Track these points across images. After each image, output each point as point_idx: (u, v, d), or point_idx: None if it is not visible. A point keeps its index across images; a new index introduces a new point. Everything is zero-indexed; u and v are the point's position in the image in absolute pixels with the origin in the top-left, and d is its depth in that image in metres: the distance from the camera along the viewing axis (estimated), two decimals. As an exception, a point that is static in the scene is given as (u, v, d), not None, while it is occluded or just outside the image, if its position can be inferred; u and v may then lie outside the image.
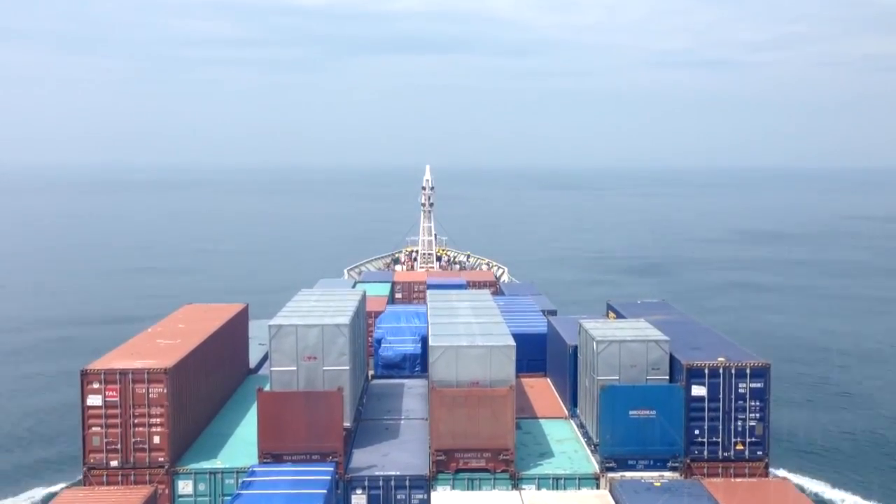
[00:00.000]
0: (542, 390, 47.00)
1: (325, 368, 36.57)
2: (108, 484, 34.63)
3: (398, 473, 35.01)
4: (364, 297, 46.62)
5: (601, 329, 38.69)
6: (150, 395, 34.78)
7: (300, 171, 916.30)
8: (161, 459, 34.86)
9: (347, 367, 36.84)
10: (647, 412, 35.49)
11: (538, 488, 34.84)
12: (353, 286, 69.46)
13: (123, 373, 34.78)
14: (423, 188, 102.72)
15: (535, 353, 48.78)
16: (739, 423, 35.82)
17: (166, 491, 34.72)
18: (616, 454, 35.58)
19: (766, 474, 35.87)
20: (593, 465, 36.23)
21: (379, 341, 50.91)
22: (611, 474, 35.30)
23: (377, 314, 55.71)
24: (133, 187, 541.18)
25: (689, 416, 35.71)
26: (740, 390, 35.75)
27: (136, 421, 34.75)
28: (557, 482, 35.20)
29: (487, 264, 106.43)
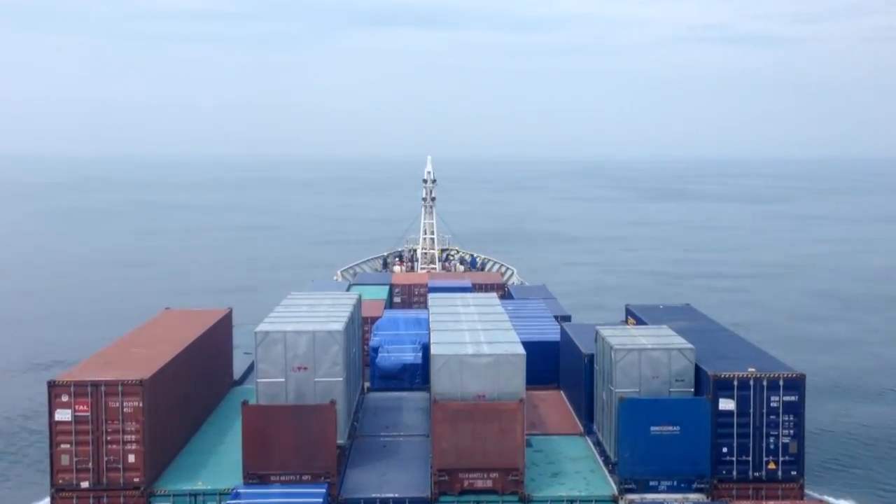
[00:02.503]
0: (555, 404, 47.02)
1: (316, 380, 36.56)
2: (79, 507, 34.66)
3: (397, 495, 35.02)
4: (359, 301, 46.65)
5: (619, 336, 38.67)
6: (125, 410, 34.79)
7: (289, 164, 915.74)
8: (136, 480, 34.85)
9: (341, 379, 36.84)
10: (671, 428, 35.46)
11: (550, 511, 34.89)
12: (348, 289, 69.42)
13: (95, 385, 34.78)
14: (425, 181, 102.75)
15: (546, 363, 48.77)
16: (772, 440, 35.79)
17: (142, 514, 34.78)
18: (636, 474, 35.55)
19: (802, 496, 35.85)
20: (611, 487, 36.20)
21: (376, 350, 50.93)
22: (630, 496, 35.30)
23: (374, 320, 55.73)
24: (102, 181, 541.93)
25: (717, 433, 35.67)
26: (772, 404, 35.70)
27: (108, 438, 34.74)
28: (571, 505, 35.23)
29: (494, 263, 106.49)
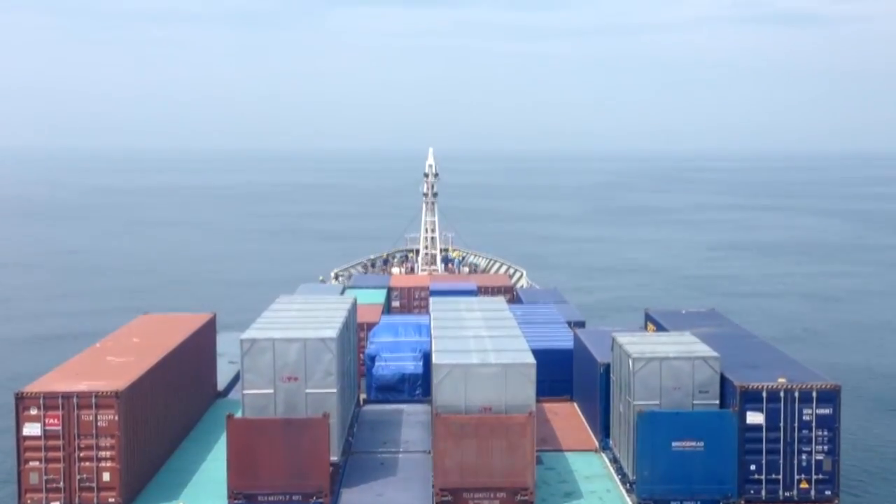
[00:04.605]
0: (568, 417, 46.99)
1: (307, 391, 36.57)
2: (49, 530, 34.63)
3: (395, 517, 35.03)
4: (354, 306, 46.69)
5: (638, 344, 38.58)
6: (99, 424, 34.74)
7: (282, 160, 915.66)
8: (112, 500, 34.81)
9: (335, 390, 36.85)
10: (694, 444, 35.41)
11: (563, 535, 34.90)
12: (342, 292, 69.54)
13: (66, 396, 34.74)
14: (426, 175, 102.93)
15: (559, 373, 48.77)
16: (804, 456, 35.71)
17: (118, 538, 34.77)
18: (656, 494, 35.49)
19: (836, 518, 35.83)
20: (629, 508, 36.18)
21: (372, 359, 50.96)
22: (650, 518, 35.27)
23: (370, 326, 55.81)
24: (79, 176, 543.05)
25: (744, 449, 35.62)
26: (805, 417, 35.63)
27: (81, 454, 34.71)
28: (586, 527, 35.24)
29: (502, 264, 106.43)
